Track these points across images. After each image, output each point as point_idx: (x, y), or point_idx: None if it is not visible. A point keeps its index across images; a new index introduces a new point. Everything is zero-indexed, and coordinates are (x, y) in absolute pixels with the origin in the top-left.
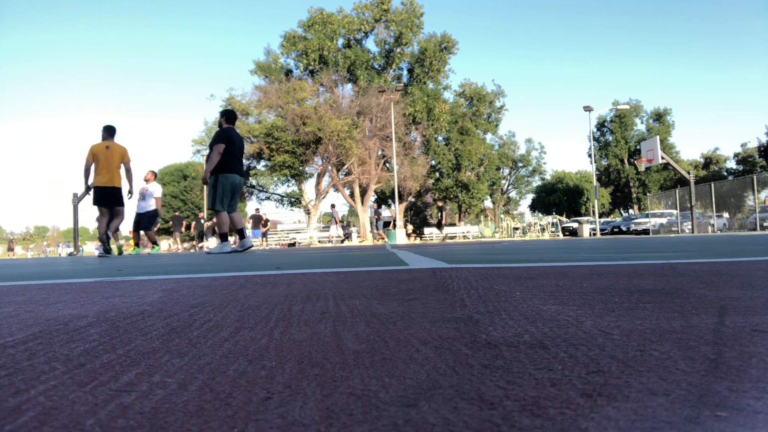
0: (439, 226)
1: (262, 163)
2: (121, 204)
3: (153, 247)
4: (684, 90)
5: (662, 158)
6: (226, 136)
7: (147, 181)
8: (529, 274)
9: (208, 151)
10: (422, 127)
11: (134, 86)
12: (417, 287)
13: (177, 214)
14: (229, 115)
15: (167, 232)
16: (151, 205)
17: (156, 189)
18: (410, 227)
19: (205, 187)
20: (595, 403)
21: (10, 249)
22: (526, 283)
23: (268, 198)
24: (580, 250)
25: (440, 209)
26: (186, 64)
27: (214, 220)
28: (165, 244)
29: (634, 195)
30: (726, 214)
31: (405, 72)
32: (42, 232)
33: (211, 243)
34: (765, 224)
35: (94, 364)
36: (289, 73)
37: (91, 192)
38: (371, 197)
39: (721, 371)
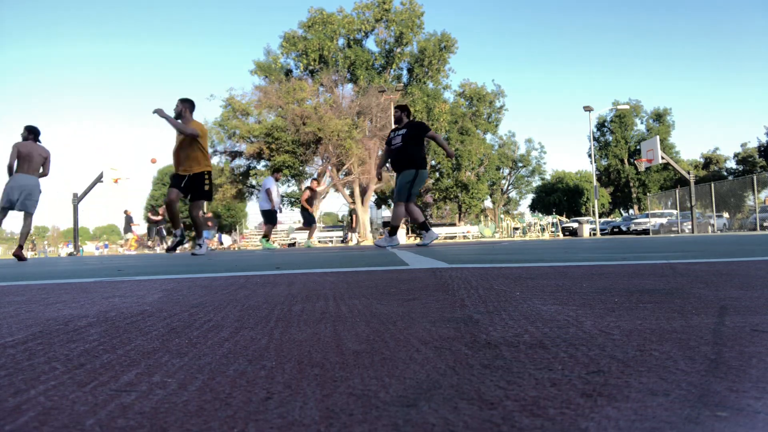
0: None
1: (262, 163)
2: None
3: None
4: (684, 90)
5: (662, 158)
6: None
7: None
8: (529, 274)
9: (406, 142)
10: None
11: (134, 86)
12: (417, 287)
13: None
14: (409, 111)
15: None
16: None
17: (264, 183)
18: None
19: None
20: (595, 403)
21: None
22: (526, 283)
23: None
24: (580, 250)
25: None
26: (185, 64)
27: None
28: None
29: (634, 195)
30: (726, 214)
31: (405, 72)
32: (42, 232)
33: (226, 242)
34: (765, 224)
35: (94, 364)
36: (289, 73)
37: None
38: (371, 197)
39: (721, 371)
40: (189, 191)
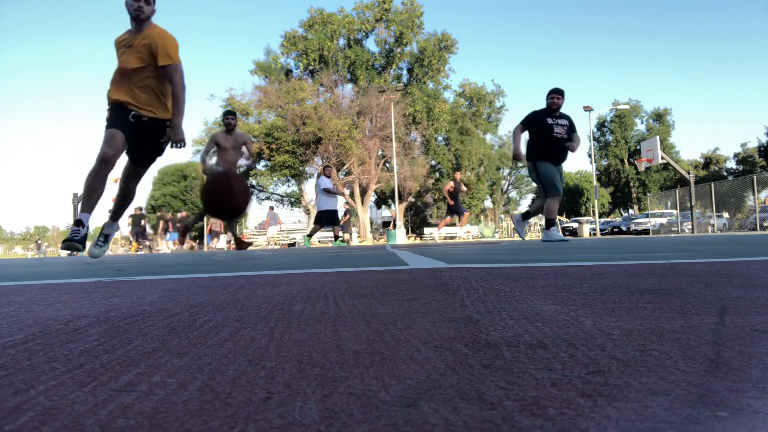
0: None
1: (262, 163)
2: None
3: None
4: (684, 90)
5: (662, 158)
6: None
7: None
8: (529, 274)
9: (572, 141)
10: (422, 127)
11: None
12: (417, 287)
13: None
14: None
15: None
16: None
17: (319, 183)
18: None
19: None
20: (595, 403)
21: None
22: (526, 282)
23: (268, 198)
24: (580, 250)
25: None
26: (185, 64)
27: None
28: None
29: (634, 195)
30: (726, 214)
31: (405, 72)
32: (42, 232)
33: (221, 242)
34: (765, 224)
35: (94, 364)
36: (289, 73)
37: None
38: (371, 197)
39: (721, 371)
40: (140, 148)
